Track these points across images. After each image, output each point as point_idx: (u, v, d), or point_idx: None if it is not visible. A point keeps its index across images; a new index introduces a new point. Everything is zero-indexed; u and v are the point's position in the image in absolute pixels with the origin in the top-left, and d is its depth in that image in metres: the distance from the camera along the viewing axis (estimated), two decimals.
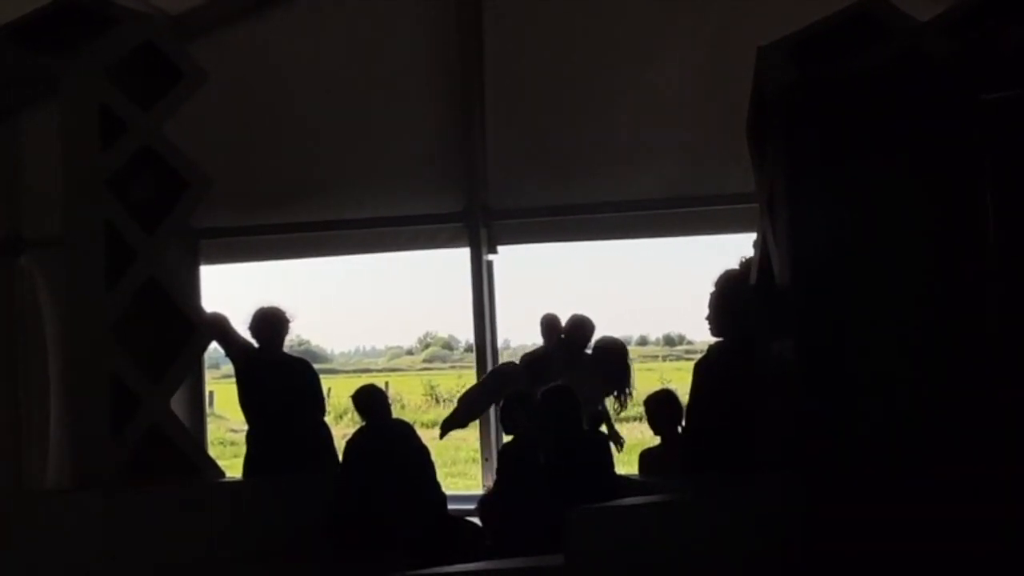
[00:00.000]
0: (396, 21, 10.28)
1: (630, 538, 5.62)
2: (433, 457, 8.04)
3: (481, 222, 10.27)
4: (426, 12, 10.29)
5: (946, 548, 5.40)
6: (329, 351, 47.76)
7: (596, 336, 9.01)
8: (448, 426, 8.88)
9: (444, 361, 40.27)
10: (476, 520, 7.98)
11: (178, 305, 6.89)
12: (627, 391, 8.86)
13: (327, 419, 8.50)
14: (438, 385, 31.28)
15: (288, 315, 8.22)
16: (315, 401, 8.20)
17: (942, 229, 5.77)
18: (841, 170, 5.98)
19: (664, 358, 41.19)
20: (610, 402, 8.87)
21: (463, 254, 10.38)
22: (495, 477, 8.22)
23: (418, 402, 30.17)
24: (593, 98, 9.92)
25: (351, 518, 7.10)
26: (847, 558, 5.59)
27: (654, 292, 63.38)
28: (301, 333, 8.82)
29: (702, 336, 7.89)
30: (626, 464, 8.30)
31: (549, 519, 5.98)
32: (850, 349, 5.89)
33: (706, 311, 7.05)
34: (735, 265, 7.24)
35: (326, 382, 9.01)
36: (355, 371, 38.82)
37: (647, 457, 7.52)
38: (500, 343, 10.92)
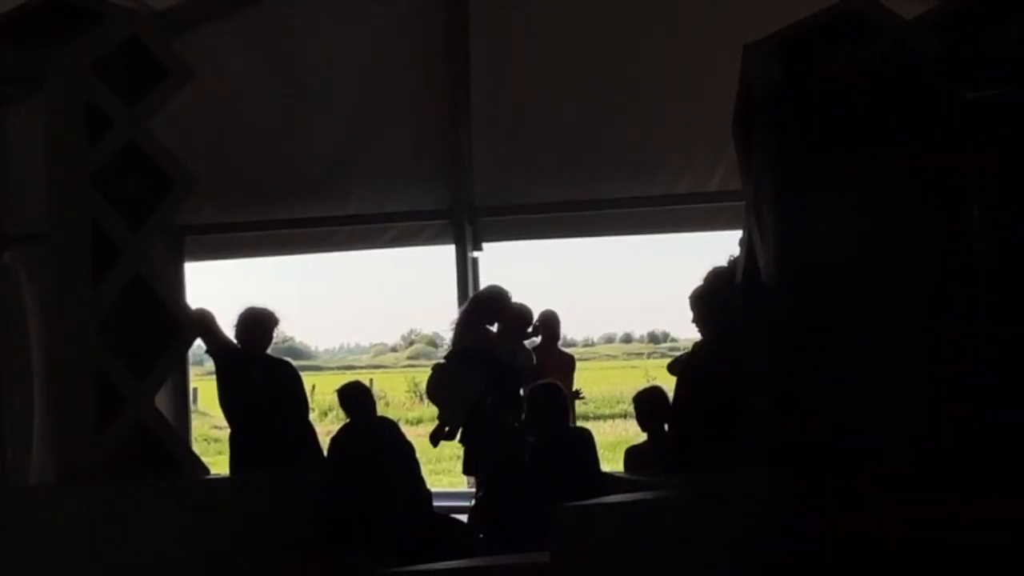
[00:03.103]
0: (383, 18, 10.29)
1: (616, 536, 5.61)
2: (418, 454, 8.05)
3: (466, 219, 10.29)
4: (413, 10, 10.30)
5: (936, 545, 5.42)
6: (313, 348, 47.88)
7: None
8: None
9: (428, 358, 40.28)
10: (461, 517, 7.99)
11: (163, 302, 6.87)
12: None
13: (311, 417, 8.50)
14: (422, 382, 31.03)
15: (276, 316, 8.22)
16: (298, 401, 8.19)
17: (929, 227, 5.79)
18: (827, 168, 5.99)
19: (648, 355, 41.33)
20: None
21: (448, 251, 10.41)
22: (481, 475, 8.23)
23: (402, 399, 30.18)
24: (578, 96, 9.94)
25: (336, 515, 7.09)
26: (833, 555, 5.60)
27: (639, 289, 63.65)
28: (285, 330, 8.83)
29: (687, 333, 7.92)
30: (612, 461, 8.32)
31: (535, 516, 5.99)
32: (836, 347, 5.90)
33: (691, 310, 7.07)
34: (721, 262, 7.25)
35: (310, 379, 9.02)
36: (339, 368, 38.90)
37: (633, 454, 7.53)
38: None
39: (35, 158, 6.89)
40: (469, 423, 8.07)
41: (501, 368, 8.10)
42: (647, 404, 7.51)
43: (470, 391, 8.02)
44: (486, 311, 8.47)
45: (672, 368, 7.61)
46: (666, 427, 7.39)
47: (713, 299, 6.94)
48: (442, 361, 8.55)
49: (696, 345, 7.29)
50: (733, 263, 7.08)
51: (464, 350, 8.21)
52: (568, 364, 9.49)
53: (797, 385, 5.97)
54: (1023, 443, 5.48)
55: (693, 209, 9.98)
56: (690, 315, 7.13)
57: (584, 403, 10.77)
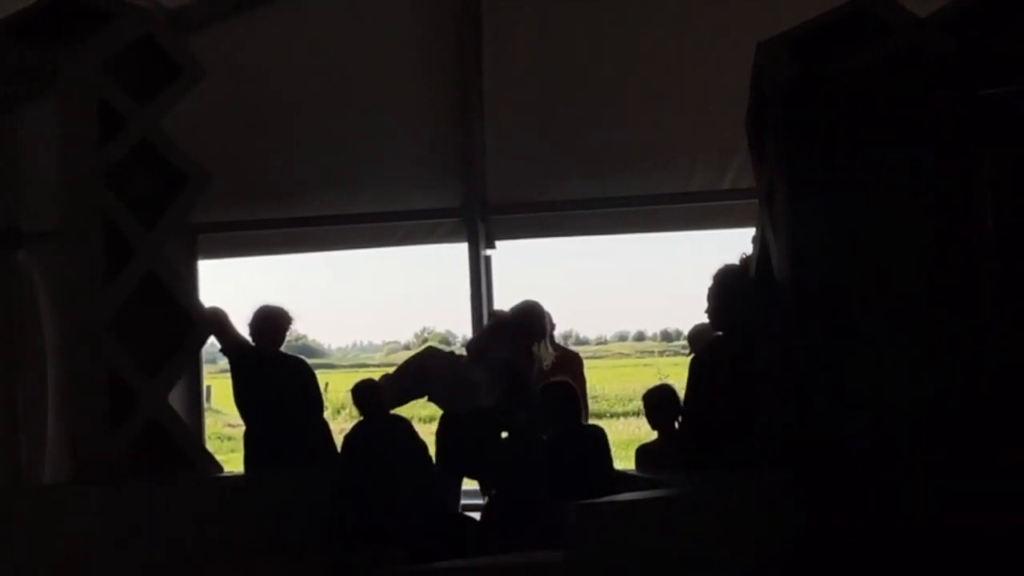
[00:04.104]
0: (395, 15, 10.28)
1: (629, 534, 5.61)
2: (431, 452, 8.05)
3: (479, 217, 10.26)
4: (425, 6, 10.30)
5: (944, 545, 5.41)
6: (326, 346, 47.84)
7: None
8: None
9: None
10: (474, 515, 7.99)
11: (176, 300, 6.88)
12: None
13: (324, 415, 8.50)
14: None
15: (290, 315, 8.22)
16: (312, 398, 8.20)
17: (941, 225, 5.78)
18: (840, 165, 5.98)
19: (661, 353, 41.28)
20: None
21: (461, 249, 10.38)
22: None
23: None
24: (591, 94, 9.93)
25: (349, 513, 7.10)
26: (844, 555, 5.59)
27: (652, 287, 63.62)
28: (298, 328, 8.88)
29: None
30: (625, 459, 8.31)
31: (548, 515, 5.98)
32: (849, 344, 5.89)
33: (705, 304, 7.05)
34: (733, 260, 7.23)
35: (323, 377, 9.02)
36: (352, 366, 38.86)
37: (645, 452, 7.52)
38: None
39: (48, 156, 6.91)
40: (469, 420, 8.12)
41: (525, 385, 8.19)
42: (657, 402, 7.50)
43: (484, 397, 8.08)
44: (528, 328, 8.57)
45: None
46: (676, 425, 7.39)
47: (728, 295, 6.92)
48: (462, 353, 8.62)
49: (708, 342, 7.29)
50: (745, 262, 7.06)
51: (506, 363, 8.26)
52: (573, 362, 9.36)
53: (809, 383, 5.96)
54: None
55: (706, 207, 9.95)
56: (703, 309, 7.12)
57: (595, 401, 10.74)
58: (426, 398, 8.64)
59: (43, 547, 6.03)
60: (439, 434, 8.36)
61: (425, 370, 8.61)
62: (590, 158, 9.96)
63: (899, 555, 5.50)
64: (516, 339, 8.47)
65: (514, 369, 8.23)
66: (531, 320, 8.60)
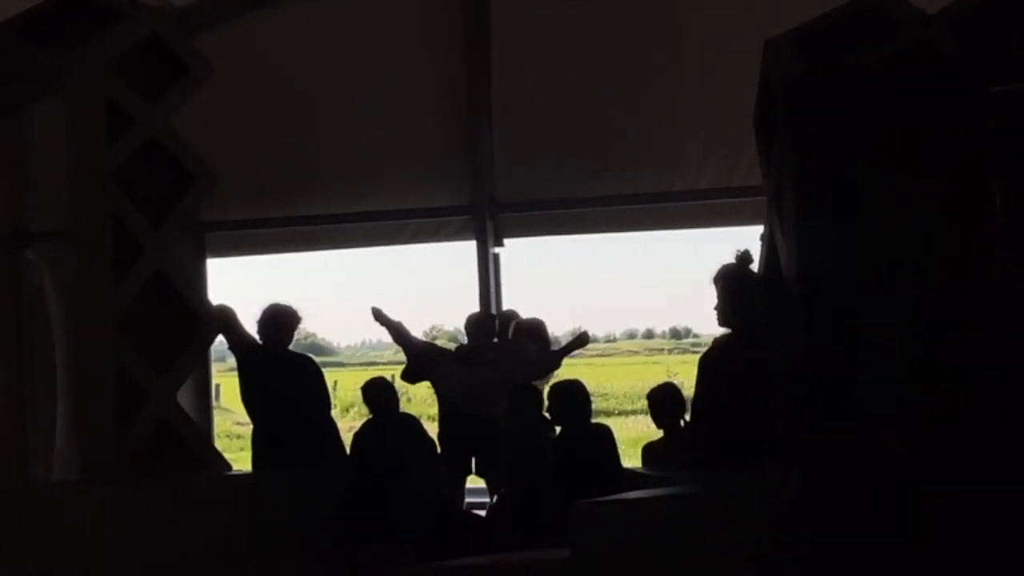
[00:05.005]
0: (403, 13, 10.29)
1: (636, 532, 5.62)
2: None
3: (488, 215, 10.27)
4: (434, 5, 10.30)
5: (951, 542, 5.41)
6: (335, 344, 47.78)
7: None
8: None
9: None
10: (482, 513, 7.99)
11: (185, 298, 6.88)
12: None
13: (333, 413, 8.50)
14: None
15: (299, 313, 8.22)
16: (320, 397, 8.19)
17: (950, 222, 5.76)
18: (848, 163, 5.97)
19: (670, 351, 41.19)
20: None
21: (469, 247, 10.38)
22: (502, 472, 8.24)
23: (424, 395, 30.07)
24: (599, 92, 9.92)
25: (358, 511, 7.10)
26: (853, 552, 5.59)
27: (660, 285, 63.48)
28: (307, 327, 8.86)
29: (708, 329, 7.92)
30: (633, 458, 8.30)
31: (556, 513, 5.98)
32: (856, 342, 5.88)
33: (715, 302, 7.04)
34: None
35: (332, 375, 9.03)
36: (361, 364, 38.82)
37: (650, 451, 7.51)
38: None
39: (56, 155, 6.92)
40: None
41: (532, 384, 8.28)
42: (661, 400, 7.50)
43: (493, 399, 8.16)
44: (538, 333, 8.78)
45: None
46: (681, 423, 7.38)
47: (736, 294, 6.90)
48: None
49: (717, 340, 7.27)
50: (740, 258, 7.02)
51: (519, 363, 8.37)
52: None
53: (816, 383, 5.95)
54: None
55: (715, 204, 9.95)
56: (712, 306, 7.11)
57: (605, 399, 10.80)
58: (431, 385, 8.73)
59: (51, 546, 6.04)
60: (442, 434, 8.39)
61: (432, 356, 8.76)
62: (598, 156, 9.96)
63: (904, 554, 5.49)
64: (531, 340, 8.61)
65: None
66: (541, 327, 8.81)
